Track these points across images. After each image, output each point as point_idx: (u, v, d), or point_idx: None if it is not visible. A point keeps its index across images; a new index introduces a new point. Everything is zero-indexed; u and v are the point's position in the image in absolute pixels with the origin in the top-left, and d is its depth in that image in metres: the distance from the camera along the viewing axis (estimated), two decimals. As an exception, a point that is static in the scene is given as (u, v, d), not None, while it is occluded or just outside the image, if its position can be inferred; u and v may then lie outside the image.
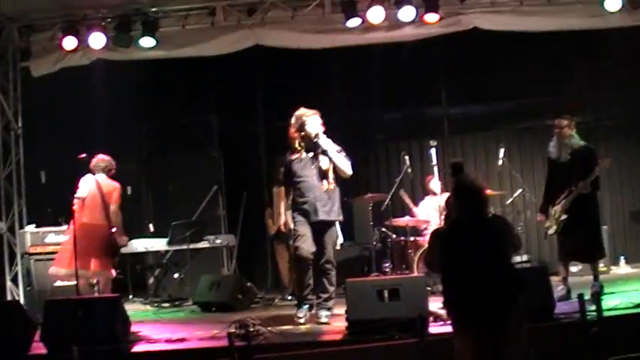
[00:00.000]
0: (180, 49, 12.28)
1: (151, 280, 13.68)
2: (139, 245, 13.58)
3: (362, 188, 13.97)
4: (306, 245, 9.55)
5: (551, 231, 10.21)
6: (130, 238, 13.58)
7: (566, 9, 11.95)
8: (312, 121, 9.77)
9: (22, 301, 11.62)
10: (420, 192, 13.71)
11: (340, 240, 10.47)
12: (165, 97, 15.13)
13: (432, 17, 11.80)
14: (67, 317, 8.28)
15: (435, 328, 8.22)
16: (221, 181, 15.25)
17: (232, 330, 8.04)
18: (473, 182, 6.49)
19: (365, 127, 15.95)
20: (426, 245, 12.11)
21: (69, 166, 12.35)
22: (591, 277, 10.26)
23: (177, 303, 12.78)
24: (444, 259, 6.37)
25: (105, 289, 10.63)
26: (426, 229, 12.74)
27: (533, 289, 7.61)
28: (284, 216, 10.20)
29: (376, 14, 11.72)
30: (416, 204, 13.34)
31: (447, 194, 13.02)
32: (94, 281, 10.69)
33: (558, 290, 9.90)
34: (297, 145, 9.82)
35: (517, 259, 12.40)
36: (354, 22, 11.85)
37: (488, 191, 11.19)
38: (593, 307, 7.39)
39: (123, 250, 13.47)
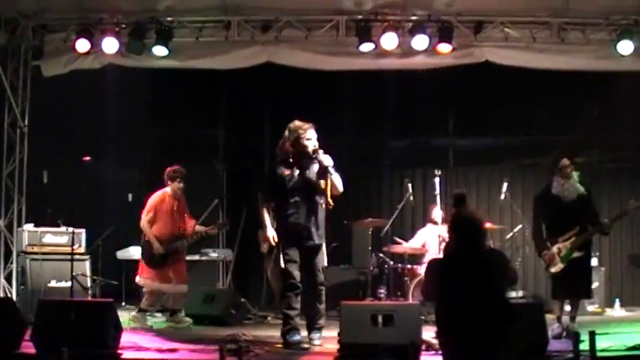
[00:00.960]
0: (192, 61, 12.32)
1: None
2: (135, 252, 13.51)
3: (363, 213, 13.97)
4: (297, 272, 9.09)
5: (556, 268, 10.07)
6: (127, 245, 13.61)
7: (578, 49, 12.04)
8: (309, 135, 9.16)
9: (14, 299, 11.59)
10: (421, 220, 13.69)
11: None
12: (173, 107, 15.15)
13: (444, 47, 11.87)
14: (59, 318, 8.22)
15: (426, 357, 8.18)
16: (223, 195, 15.20)
17: (224, 344, 8.01)
18: (472, 215, 6.51)
19: (371, 152, 15.97)
20: (423, 274, 12.21)
21: (72, 168, 12.39)
22: (584, 318, 10.25)
23: (169, 313, 12.72)
24: (437, 289, 6.41)
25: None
26: (423, 257, 12.74)
27: (528, 325, 7.61)
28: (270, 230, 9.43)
29: (390, 40, 11.77)
30: (414, 232, 13.36)
31: (447, 224, 13.12)
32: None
33: (554, 328, 9.89)
34: (290, 160, 9.23)
35: (513, 294, 12.42)
36: (367, 47, 11.91)
37: (488, 225, 11.24)
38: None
39: (119, 256, 13.53)
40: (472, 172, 15.64)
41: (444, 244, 11.35)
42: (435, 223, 12.37)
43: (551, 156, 13.88)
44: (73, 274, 11.47)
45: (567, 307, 10.45)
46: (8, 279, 12.36)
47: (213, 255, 13.78)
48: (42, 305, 8.68)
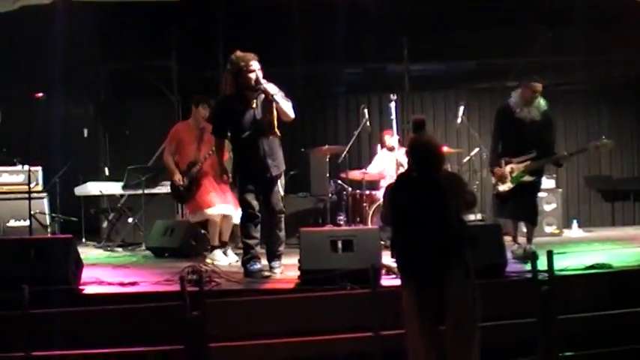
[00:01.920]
0: (141, -8, 12.16)
1: (105, 224, 13.63)
2: (93, 188, 13.50)
3: (320, 140, 13.97)
4: (255, 202, 9.08)
5: (504, 187, 10.08)
6: (85, 181, 13.56)
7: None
8: (252, 66, 8.90)
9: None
10: (378, 146, 13.72)
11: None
12: (125, 40, 14.94)
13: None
14: (18, 257, 8.18)
15: (387, 281, 8.27)
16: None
17: (185, 275, 8.03)
18: (429, 140, 6.48)
19: (326, 80, 15.95)
20: (381, 199, 12.27)
21: (25, 106, 12.25)
22: (542, 239, 10.37)
23: (130, 248, 12.74)
24: (393, 212, 6.42)
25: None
26: (381, 183, 12.82)
27: (486, 246, 7.70)
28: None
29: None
30: (371, 158, 13.41)
31: (403, 149, 13.17)
32: None
33: (514, 250, 10.03)
34: (233, 92, 9.01)
35: (471, 217, 12.52)
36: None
37: (445, 149, 11.26)
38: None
39: (77, 193, 13.47)
40: (428, 96, 15.65)
41: (401, 169, 11.40)
42: (391, 149, 12.42)
43: (506, 80, 14.11)
44: (32, 212, 11.41)
45: (524, 228, 10.58)
46: (-35, 219, 12.28)
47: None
48: (1, 244, 8.64)
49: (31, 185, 11.63)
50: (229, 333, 7.32)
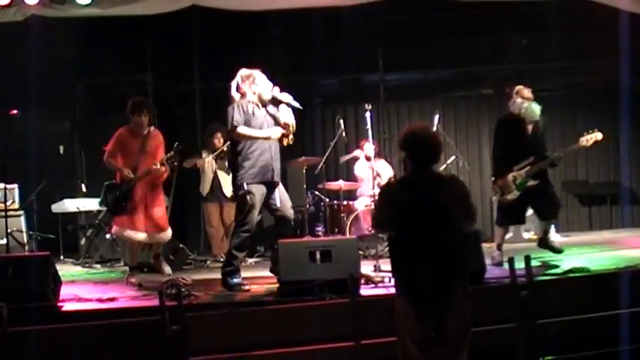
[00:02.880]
0: (115, 8, 12.00)
1: (83, 241, 13.54)
2: (70, 205, 13.44)
3: (296, 152, 13.95)
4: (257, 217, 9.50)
5: (511, 196, 10.21)
6: (62, 198, 13.50)
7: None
8: (262, 77, 9.49)
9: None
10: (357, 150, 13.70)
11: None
12: (100, 56, 14.92)
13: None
14: (-4, 274, 8.18)
15: (366, 290, 8.28)
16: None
17: (164, 289, 8.02)
18: (424, 126, 6.26)
19: (302, 91, 15.89)
20: (363, 208, 12.29)
21: (1, 123, 12.22)
22: (521, 245, 10.40)
23: (108, 264, 12.69)
24: (392, 215, 6.03)
25: None
26: (357, 192, 12.87)
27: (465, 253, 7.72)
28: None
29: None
30: (350, 169, 13.44)
31: (381, 160, 13.21)
32: None
33: (495, 256, 10.11)
34: (251, 101, 9.39)
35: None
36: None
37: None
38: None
39: (54, 210, 13.40)
40: (404, 106, 15.71)
41: (378, 179, 11.42)
42: (367, 158, 12.45)
43: (482, 88, 14.16)
44: (9, 230, 11.36)
45: (508, 235, 10.67)
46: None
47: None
48: (-22, 262, 8.61)
49: (8, 203, 11.61)
50: (210, 346, 7.32)
